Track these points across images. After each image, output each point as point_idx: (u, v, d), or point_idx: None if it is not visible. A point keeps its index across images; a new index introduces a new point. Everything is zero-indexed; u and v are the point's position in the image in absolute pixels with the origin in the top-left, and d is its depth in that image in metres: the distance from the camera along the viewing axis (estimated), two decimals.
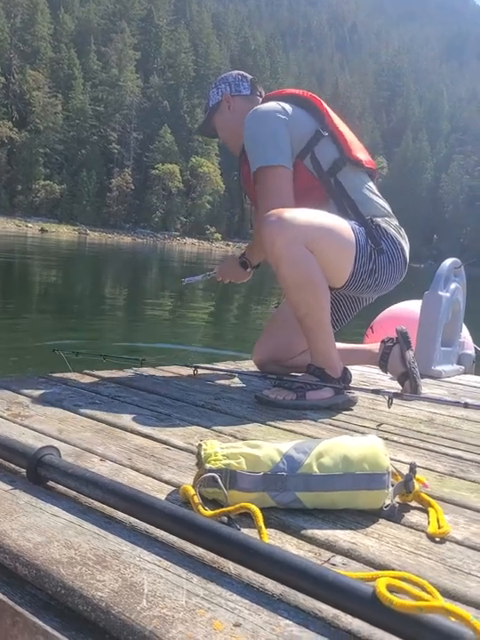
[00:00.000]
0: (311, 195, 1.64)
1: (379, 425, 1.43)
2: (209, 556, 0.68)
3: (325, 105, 1.72)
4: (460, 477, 1.09)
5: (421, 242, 74.79)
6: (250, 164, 1.63)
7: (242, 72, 1.84)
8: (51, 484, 0.83)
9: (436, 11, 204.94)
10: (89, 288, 11.79)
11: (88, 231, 56.81)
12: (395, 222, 1.73)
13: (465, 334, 2.71)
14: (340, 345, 1.78)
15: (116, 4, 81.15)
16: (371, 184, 1.74)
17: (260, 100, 1.78)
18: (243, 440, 0.91)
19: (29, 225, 53.87)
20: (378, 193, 1.75)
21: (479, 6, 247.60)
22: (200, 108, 76.48)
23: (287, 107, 1.66)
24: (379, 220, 1.68)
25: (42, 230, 50.16)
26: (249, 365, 2.04)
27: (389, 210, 1.74)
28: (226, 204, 73.80)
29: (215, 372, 1.88)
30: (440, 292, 2.37)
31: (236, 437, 1.19)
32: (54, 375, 1.60)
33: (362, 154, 1.72)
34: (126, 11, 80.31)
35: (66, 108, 66.10)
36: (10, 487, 0.83)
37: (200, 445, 0.87)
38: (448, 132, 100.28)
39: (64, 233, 52.19)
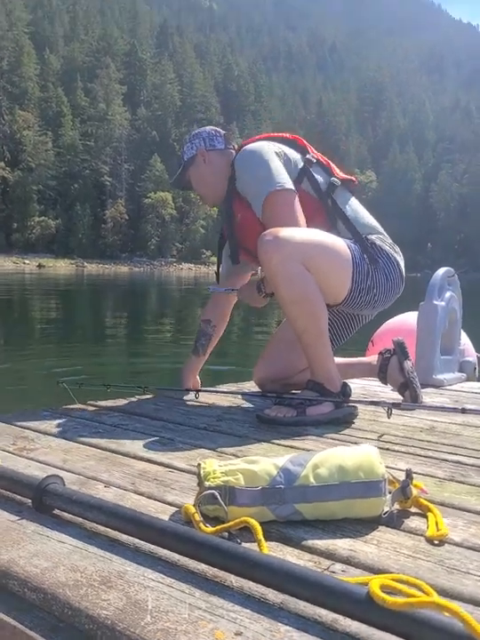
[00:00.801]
0: (318, 218, 1.69)
1: (380, 436, 1.44)
2: (211, 571, 0.70)
3: (305, 142, 1.81)
4: (459, 482, 1.10)
5: (416, 251, 75.14)
6: (254, 197, 1.65)
7: (215, 128, 1.89)
8: (56, 512, 0.85)
9: (413, 26, 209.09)
10: (89, 319, 11.84)
11: (85, 263, 57.15)
12: (389, 240, 1.77)
13: (465, 341, 2.73)
14: (339, 359, 1.80)
15: (99, 42, 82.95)
16: (357, 201, 1.81)
17: (234, 153, 1.81)
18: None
19: (27, 261, 54.21)
20: (365, 210, 1.82)
21: (454, 19, 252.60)
22: (188, 136, 77.57)
23: (272, 142, 1.73)
24: (373, 237, 1.73)
25: (39, 266, 50.43)
26: (250, 386, 2.06)
27: (380, 228, 1.80)
28: (219, 227, 74.16)
29: (217, 394, 1.90)
30: (435, 302, 2.39)
31: (237, 457, 1.20)
32: (58, 408, 1.63)
33: (345, 174, 1.81)
34: (110, 47, 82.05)
35: (56, 144, 67.16)
36: (17, 517, 0.85)
37: (199, 465, 0.89)
38: (434, 141, 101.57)
39: (61, 267, 52.50)
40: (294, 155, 1.74)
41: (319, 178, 1.74)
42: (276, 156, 1.67)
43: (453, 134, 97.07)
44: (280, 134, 1.81)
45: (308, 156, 1.75)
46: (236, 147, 1.83)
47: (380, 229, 1.79)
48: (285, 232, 1.52)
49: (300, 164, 1.72)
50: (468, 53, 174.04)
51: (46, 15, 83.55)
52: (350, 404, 1.59)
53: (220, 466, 0.87)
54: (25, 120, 65.54)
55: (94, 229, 66.08)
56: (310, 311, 1.53)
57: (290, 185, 1.62)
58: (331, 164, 1.80)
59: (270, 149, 1.68)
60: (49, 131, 67.05)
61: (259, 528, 0.76)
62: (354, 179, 1.83)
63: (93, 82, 74.90)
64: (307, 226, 1.62)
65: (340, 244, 1.63)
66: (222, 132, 1.88)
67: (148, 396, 1.86)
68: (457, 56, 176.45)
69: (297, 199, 1.63)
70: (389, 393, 2.03)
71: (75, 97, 73.01)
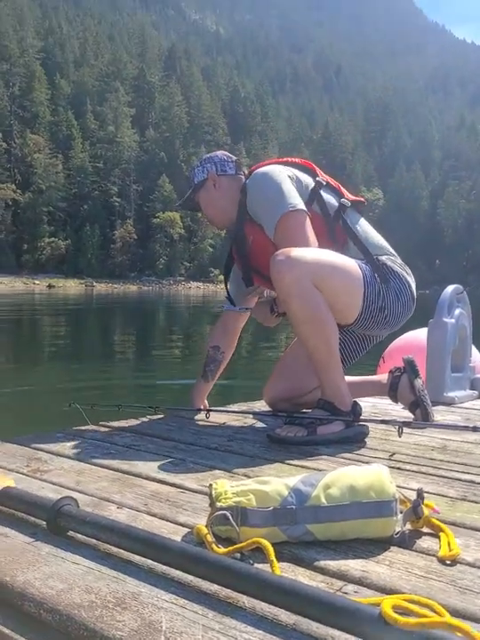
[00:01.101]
0: (329, 239, 1.71)
1: (391, 455, 1.44)
2: (224, 592, 0.71)
3: (313, 164, 1.83)
4: (472, 501, 1.09)
5: (425, 268, 75.01)
6: (267, 219, 1.66)
7: (227, 153, 1.91)
8: (70, 533, 0.86)
9: (417, 46, 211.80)
10: (98, 338, 11.91)
11: (94, 283, 57.60)
12: (399, 260, 1.78)
13: (476, 358, 2.71)
14: (349, 378, 1.80)
15: (108, 66, 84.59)
16: (366, 222, 1.82)
17: (244, 179, 1.83)
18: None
19: (37, 282, 54.73)
20: (375, 231, 1.83)
21: (458, 38, 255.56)
22: (195, 157, 78.59)
23: (279, 167, 1.74)
24: (384, 258, 1.74)
25: (49, 286, 50.88)
26: (261, 405, 2.06)
27: (391, 248, 1.81)
28: (227, 245, 74.71)
29: (227, 413, 1.91)
30: (445, 319, 2.39)
31: (248, 477, 1.21)
32: (71, 429, 1.64)
33: (354, 196, 1.83)
34: (119, 71, 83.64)
35: (66, 166, 68.18)
36: (31, 539, 0.86)
37: (211, 485, 0.90)
38: (440, 159, 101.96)
39: (71, 287, 52.93)
40: (305, 177, 1.75)
41: (329, 199, 1.76)
42: (287, 179, 1.68)
43: (459, 152, 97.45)
44: (290, 159, 1.83)
45: (317, 178, 1.77)
46: (246, 172, 1.85)
47: (391, 250, 1.80)
48: (297, 252, 1.53)
49: (311, 186, 1.74)
50: (473, 72, 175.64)
51: (57, 42, 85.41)
52: (361, 423, 1.59)
53: (232, 486, 0.88)
54: (36, 143, 66.70)
55: (103, 249, 66.70)
56: (321, 331, 1.53)
57: (302, 206, 1.64)
58: (340, 186, 1.82)
59: (282, 172, 1.70)
60: (59, 153, 68.13)
61: (271, 549, 0.77)
62: (363, 199, 1.85)
63: (103, 105, 76.26)
64: (318, 246, 1.64)
65: (351, 264, 1.65)
66: (234, 158, 1.90)
67: (159, 416, 1.87)
68: (461, 75, 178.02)
69: (308, 220, 1.64)
70: (400, 411, 2.02)
71: (85, 120, 74.30)
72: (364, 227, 1.79)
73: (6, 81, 69.75)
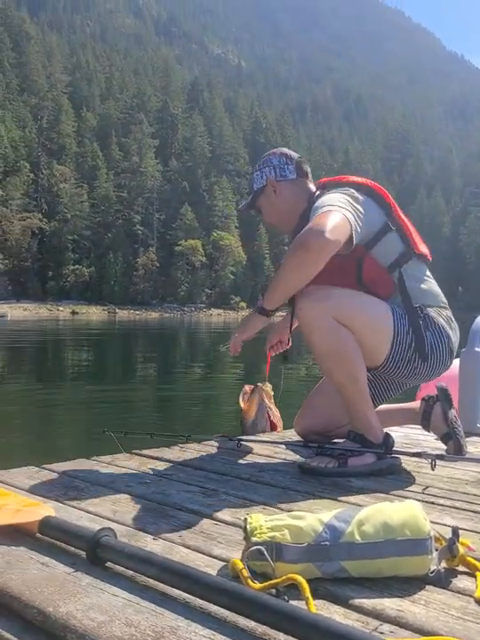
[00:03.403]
0: (379, 286, 1.62)
1: (424, 488, 1.43)
2: (260, 629, 0.71)
3: (389, 195, 1.68)
4: None
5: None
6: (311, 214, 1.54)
7: (286, 153, 1.78)
8: (108, 564, 0.88)
9: (435, 76, 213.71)
10: (125, 364, 12.03)
11: (117, 310, 58.34)
12: (446, 313, 1.69)
13: None
14: (381, 406, 1.80)
15: (133, 99, 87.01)
16: (428, 273, 1.72)
17: (307, 181, 1.75)
18: (288, 511, 0.94)
19: (60, 308, 55.65)
20: (434, 282, 1.73)
21: (477, 67, 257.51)
22: (217, 186, 79.84)
23: (356, 194, 1.59)
24: (429, 309, 1.65)
25: (73, 312, 51.68)
26: (291, 435, 2.06)
27: (444, 299, 1.72)
28: (248, 273, 75.33)
29: (258, 442, 1.91)
30: (477, 348, 2.37)
31: (281, 509, 1.22)
32: (104, 457, 1.67)
33: (423, 246, 1.71)
34: (143, 104, 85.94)
35: (91, 196, 69.76)
36: (72, 569, 0.88)
37: (246, 519, 0.91)
38: (461, 186, 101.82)
39: (94, 313, 53.69)
40: (374, 216, 1.61)
41: (393, 247, 1.64)
42: (355, 211, 1.54)
43: None
44: (366, 181, 1.67)
45: (389, 219, 1.64)
46: (309, 173, 1.77)
47: (442, 302, 1.71)
48: (324, 289, 1.53)
49: (378, 227, 1.62)
50: None
51: (84, 76, 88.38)
52: (393, 456, 1.58)
53: (267, 521, 0.89)
54: (62, 174, 68.52)
55: (126, 276, 67.62)
56: (344, 365, 1.52)
57: (350, 215, 1.50)
58: (411, 232, 1.68)
59: (350, 204, 1.55)
60: (84, 183, 69.81)
61: (306, 586, 0.77)
62: (428, 255, 1.72)
63: (127, 136, 78.23)
64: (367, 292, 1.59)
65: (381, 308, 1.59)
66: (294, 157, 1.78)
67: (190, 444, 1.88)
68: None
69: (348, 225, 1.49)
70: (432, 441, 1.99)
71: (109, 151, 76.24)
72: (421, 278, 1.68)
73: (35, 114, 72.20)
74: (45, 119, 73.01)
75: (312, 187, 1.77)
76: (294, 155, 1.80)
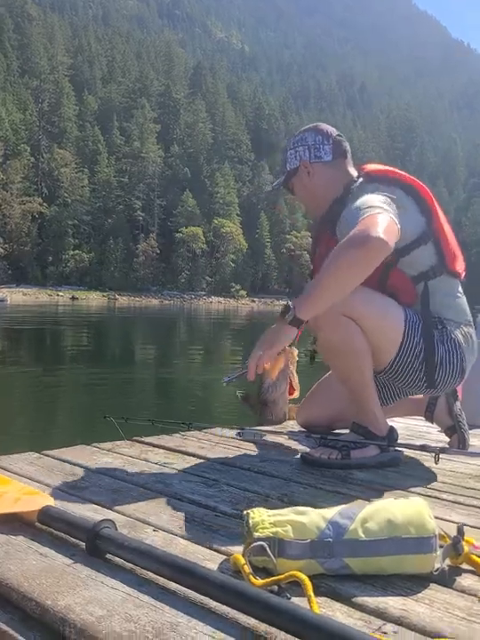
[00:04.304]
0: (400, 295, 1.54)
1: (427, 483, 1.41)
2: (262, 627, 0.70)
3: (434, 199, 1.55)
4: None
5: None
6: (348, 228, 1.39)
7: (324, 129, 1.64)
8: (108, 556, 0.87)
9: (442, 65, 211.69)
10: (125, 350, 12.04)
11: (117, 296, 58.37)
12: (468, 330, 1.58)
13: None
14: None
15: (135, 83, 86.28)
16: (460, 290, 1.62)
17: (346, 162, 1.63)
18: (290, 504, 0.93)
19: (60, 293, 55.63)
20: (463, 299, 1.62)
21: None
22: (219, 173, 79.39)
23: (394, 197, 1.47)
24: (448, 322, 1.56)
25: (72, 298, 51.67)
26: (293, 424, 2.05)
27: (469, 317, 1.61)
28: (249, 261, 75.26)
29: (260, 432, 1.90)
30: None
31: (282, 501, 1.20)
32: (105, 444, 1.65)
33: (459, 263, 1.59)
34: (146, 88, 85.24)
35: (92, 181, 69.47)
36: (71, 561, 0.87)
37: (248, 514, 0.90)
38: (465, 177, 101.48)
39: (94, 299, 53.71)
40: (412, 222, 1.50)
41: (425, 259, 1.53)
42: (396, 216, 1.42)
43: None
44: (414, 181, 1.56)
45: (429, 228, 1.52)
46: (349, 152, 1.65)
47: (465, 319, 1.60)
48: None
49: (415, 236, 1.50)
50: None
51: (86, 59, 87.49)
52: (396, 449, 1.57)
53: (269, 516, 0.88)
54: (63, 158, 68.09)
55: (126, 262, 67.53)
56: (352, 359, 1.50)
57: (396, 220, 1.39)
58: (450, 246, 1.56)
59: (392, 207, 1.44)
60: (85, 168, 69.47)
61: (309, 584, 0.76)
62: (462, 273, 1.60)
63: (129, 121, 77.73)
64: (388, 301, 1.50)
65: (394, 310, 1.52)
66: (332, 134, 1.64)
67: (191, 432, 1.87)
68: None
69: (397, 230, 1.38)
70: (436, 434, 1.98)
71: (111, 136, 75.75)
72: (449, 295, 1.58)
73: (36, 97, 71.62)
74: (46, 102, 72.44)
75: (352, 170, 1.63)
76: (332, 131, 1.65)
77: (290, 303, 1.38)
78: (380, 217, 1.36)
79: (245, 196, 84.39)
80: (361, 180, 1.56)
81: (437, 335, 1.53)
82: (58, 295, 54.59)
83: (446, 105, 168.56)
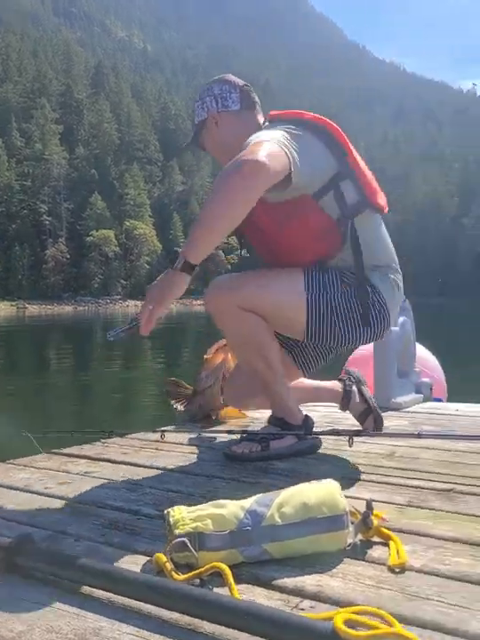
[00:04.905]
0: (326, 239, 1.51)
1: (343, 465, 1.48)
2: (184, 619, 0.72)
3: (347, 138, 1.51)
4: (417, 507, 1.14)
5: None
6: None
7: (230, 80, 1.60)
8: (29, 571, 0.85)
9: (338, 65, 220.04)
10: (36, 361, 11.53)
11: (26, 305, 55.79)
12: (394, 276, 1.59)
13: (427, 362, 2.84)
14: (308, 382, 1.81)
15: (33, 82, 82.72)
16: (383, 228, 1.62)
17: (255, 112, 1.59)
18: (213, 500, 0.95)
19: None
20: (388, 239, 1.63)
21: (378, 58, 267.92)
22: (128, 174, 77.97)
23: (297, 131, 1.42)
24: (376, 273, 1.55)
25: None
26: (217, 423, 2.07)
27: (394, 255, 1.63)
28: (165, 262, 74.29)
29: (181, 432, 1.91)
30: (391, 328, 2.51)
31: (205, 498, 1.21)
32: (21, 460, 1.59)
33: (381, 197, 1.57)
34: (45, 88, 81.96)
35: None
36: None
37: (168, 513, 0.91)
38: None
39: (1, 309, 50.99)
40: (324, 157, 1.46)
41: (347, 196, 1.48)
42: (295, 149, 1.36)
43: (384, 167, 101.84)
44: (319, 118, 1.51)
45: (343, 163, 1.48)
46: (258, 103, 1.60)
47: (393, 263, 1.61)
48: (227, 280, 1.54)
49: (330, 174, 1.46)
50: (394, 90, 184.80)
51: None
52: (313, 436, 1.62)
53: (189, 512, 0.89)
54: None
55: (34, 270, 64.74)
56: (253, 352, 1.54)
57: (288, 150, 1.33)
58: (369, 180, 1.53)
59: (289, 140, 1.37)
60: None
61: (229, 573, 0.78)
62: (385, 207, 1.58)
63: (29, 122, 74.37)
64: (311, 246, 1.49)
65: (289, 284, 1.52)
66: (239, 84, 1.60)
67: (113, 439, 1.84)
68: (383, 93, 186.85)
69: (286, 158, 1.32)
70: (351, 419, 2.08)
71: (10, 138, 72.19)
72: (375, 231, 1.57)
73: None
74: None
75: (260, 119, 1.60)
76: (239, 82, 1.61)
77: (178, 250, 1.29)
78: (264, 144, 1.31)
79: (157, 197, 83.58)
80: (267, 123, 1.54)
81: (370, 300, 1.52)
82: None
83: (346, 104, 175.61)
